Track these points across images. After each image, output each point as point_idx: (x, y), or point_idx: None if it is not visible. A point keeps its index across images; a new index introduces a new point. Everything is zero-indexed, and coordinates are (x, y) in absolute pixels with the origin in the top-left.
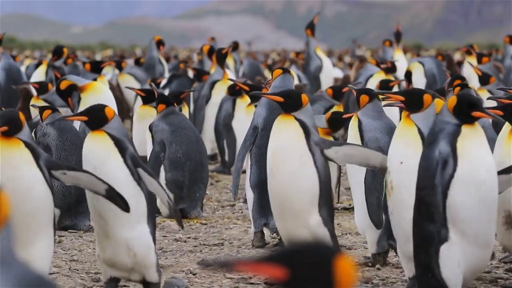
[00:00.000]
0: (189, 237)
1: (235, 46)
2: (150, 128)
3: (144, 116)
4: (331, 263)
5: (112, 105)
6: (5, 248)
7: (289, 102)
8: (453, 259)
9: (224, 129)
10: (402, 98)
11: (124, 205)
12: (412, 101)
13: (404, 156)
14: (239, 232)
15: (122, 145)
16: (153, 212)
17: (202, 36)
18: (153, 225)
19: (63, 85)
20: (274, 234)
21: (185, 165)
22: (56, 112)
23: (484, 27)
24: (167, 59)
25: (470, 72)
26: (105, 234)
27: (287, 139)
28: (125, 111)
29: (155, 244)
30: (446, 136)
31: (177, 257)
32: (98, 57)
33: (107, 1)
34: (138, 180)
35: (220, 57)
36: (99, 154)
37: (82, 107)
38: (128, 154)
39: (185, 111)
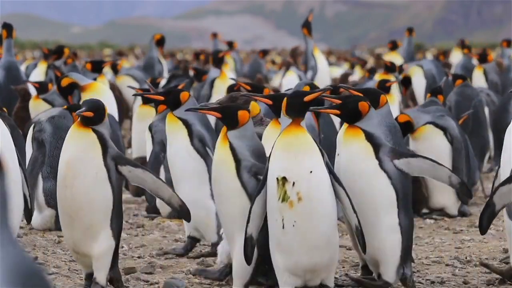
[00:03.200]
0: None
1: (229, 44)
2: (150, 128)
3: (144, 116)
4: None
5: (112, 105)
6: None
7: (97, 115)
8: None
9: None
10: (270, 102)
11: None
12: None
13: (313, 165)
14: None
15: None
16: None
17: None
18: None
19: (64, 82)
20: None
21: None
22: (61, 109)
23: (484, 27)
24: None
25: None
26: None
27: (83, 151)
28: (124, 111)
29: None
30: None
31: (177, 257)
32: (97, 57)
33: (107, 1)
34: None
35: (216, 59)
36: None
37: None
38: None
39: None
